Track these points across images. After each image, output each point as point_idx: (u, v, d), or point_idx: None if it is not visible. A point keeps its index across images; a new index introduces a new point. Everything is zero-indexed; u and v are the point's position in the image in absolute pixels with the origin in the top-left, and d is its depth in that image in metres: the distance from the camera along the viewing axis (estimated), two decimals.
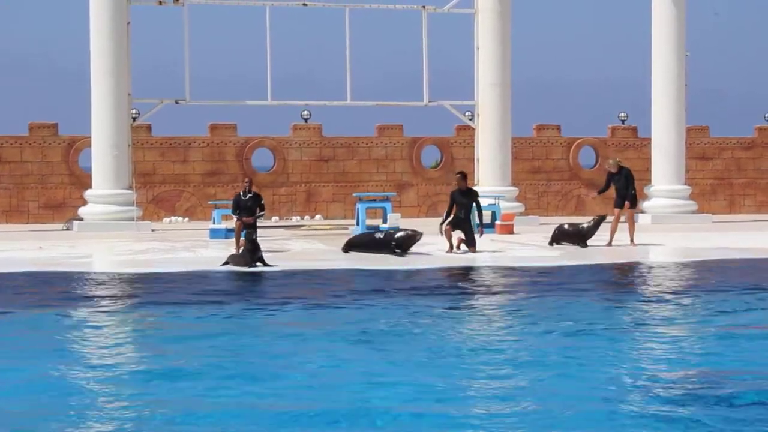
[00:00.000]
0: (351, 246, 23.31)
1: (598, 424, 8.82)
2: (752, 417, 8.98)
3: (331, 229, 31.26)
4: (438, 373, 10.73)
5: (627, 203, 24.49)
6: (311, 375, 10.75)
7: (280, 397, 9.81)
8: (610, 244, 24.30)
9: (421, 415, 9.10)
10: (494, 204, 30.28)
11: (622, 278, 19.70)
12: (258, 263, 20.32)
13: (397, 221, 27.49)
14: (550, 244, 24.54)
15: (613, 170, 24.70)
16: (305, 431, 8.77)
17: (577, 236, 24.29)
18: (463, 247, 23.01)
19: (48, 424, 8.85)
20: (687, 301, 16.09)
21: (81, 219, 30.87)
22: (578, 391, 9.92)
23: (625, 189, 24.48)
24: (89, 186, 31.42)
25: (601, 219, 24.35)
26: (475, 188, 25.55)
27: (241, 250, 21.30)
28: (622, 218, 24.76)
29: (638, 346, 12.11)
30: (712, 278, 18.78)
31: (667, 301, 16.05)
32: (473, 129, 34.18)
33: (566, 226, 24.82)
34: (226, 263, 20.68)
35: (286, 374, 10.78)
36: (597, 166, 38.51)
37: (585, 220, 25.32)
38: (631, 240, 24.46)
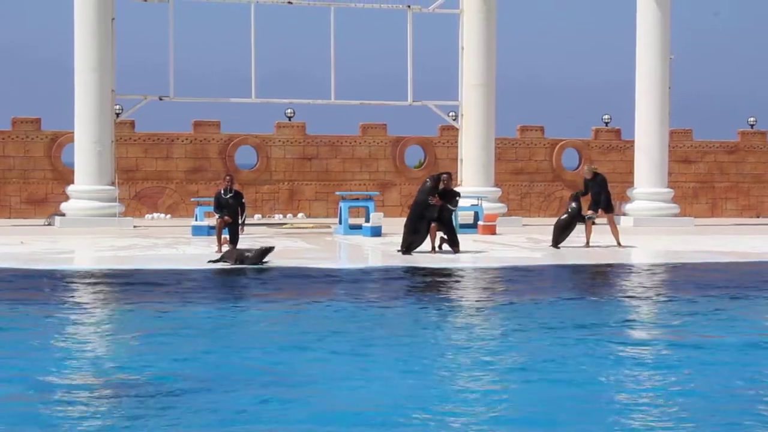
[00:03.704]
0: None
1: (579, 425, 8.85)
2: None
3: (313, 227, 31.26)
4: (414, 373, 10.74)
5: (601, 210, 24.62)
6: (293, 374, 10.75)
7: (262, 390, 9.81)
8: (587, 245, 24.39)
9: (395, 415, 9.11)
10: (477, 204, 30.32)
11: (603, 279, 19.74)
12: (246, 262, 20.29)
13: (380, 220, 27.52)
14: (555, 246, 24.33)
15: (588, 177, 24.88)
16: None
17: (575, 219, 24.28)
18: (445, 247, 23.02)
19: (23, 422, 8.81)
20: (666, 303, 16.13)
21: (63, 214, 30.79)
22: (555, 391, 9.95)
23: (599, 195, 24.64)
24: (72, 181, 31.34)
25: (576, 194, 24.59)
26: (457, 189, 25.59)
27: (238, 247, 21.32)
28: (603, 221, 24.84)
29: (616, 347, 12.14)
30: (692, 281, 18.83)
31: (644, 303, 16.09)
32: (457, 129, 34.20)
33: (558, 227, 24.61)
34: (219, 261, 20.56)
35: (265, 370, 10.78)
36: (580, 167, 38.57)
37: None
38: (618, 243, 24.55)
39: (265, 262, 20.34)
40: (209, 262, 20.56)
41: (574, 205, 24.41)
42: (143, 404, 9.40)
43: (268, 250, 20.66)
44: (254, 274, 19.25)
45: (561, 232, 24.36)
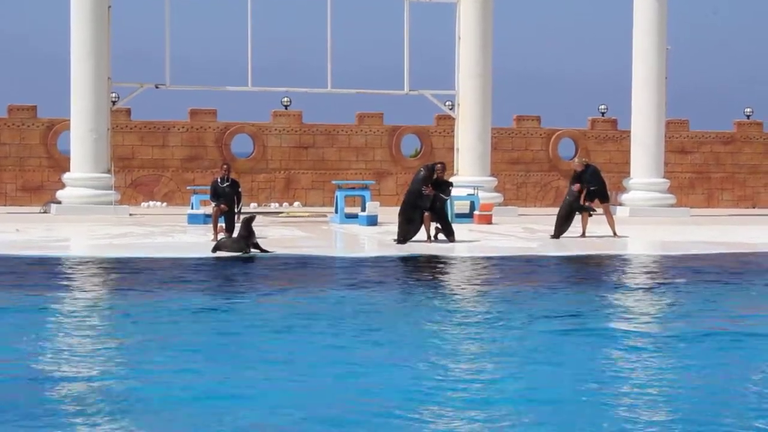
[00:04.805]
0: None
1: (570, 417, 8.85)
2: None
3: (309, 216, 31.26)
4: (408, 363, 10.75)
5: (597, 200, 24.54)
6: (288, 364, 10.74)
7: (258, 383, 9.81)
8: (583, 235, 24.36)
9: (389, 406, 9.11)
10: (473, 194, 30.31)
11: (598, 269, 19.74)
12: (255, 249, 20.28)
13: (376, 210, 27.50)
14: (556, 237, 24.21)
15: (579, 169, 24.68)
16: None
17: (572, 209, 24.19)
18: (441, 236, 23.02)
19: (21, 412, 8.80)
20: (661, 293, 16.13)
21: (59, 202, 30.79)
22: (545, 382, 9.95)
23: (594, 187, 24.46)
24: (67, 169, 31.33)
25: (576, 176, 24.49)
26: (453, 179, 25.60)
27: (234, 235, 21.24)
28: (599, 211, 24.80)
29: (608, 337, 12.14)
30: (687, 271, 18.83)
31: (639, 293, 16.10)
32: (453, 119, 34.19)
33: (559, 217, 24.47)
34: (217, 249, 20.44)
35: (262, 359, 10.78)
36: (576, 157, 38.56)
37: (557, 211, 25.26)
38: (614, 233, 24.51)
39: (266, 251, 20.29)
40: (213, 251, 20.40)
41: (574, 189, 24.28)
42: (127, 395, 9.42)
43: (250, 219, 20.61)
44: (249, 263, 19.24)
45: (561, 224, 24.30)
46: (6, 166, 35.06)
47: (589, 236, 24.29)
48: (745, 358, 11.21)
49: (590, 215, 24.59)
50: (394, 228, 23.16)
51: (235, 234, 21.49)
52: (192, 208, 28.31)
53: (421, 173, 22.96)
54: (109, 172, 30.83)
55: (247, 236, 20.42)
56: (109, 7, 30.80)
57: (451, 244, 22.51)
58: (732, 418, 8.73)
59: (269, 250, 20.46)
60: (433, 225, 23.03)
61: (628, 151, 34.65)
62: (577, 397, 9.37)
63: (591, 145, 38.79)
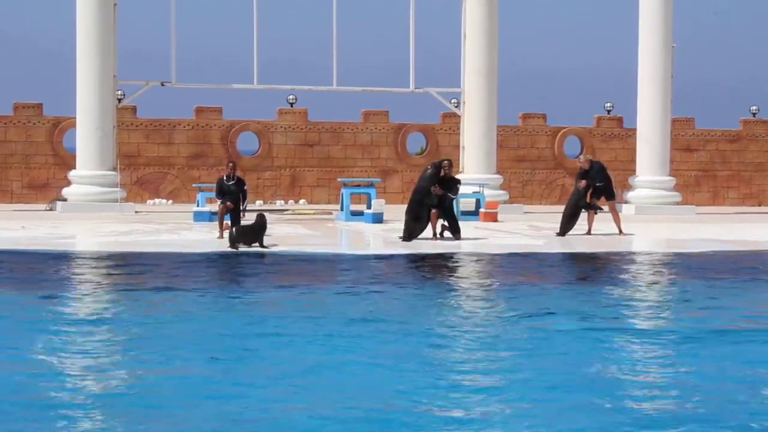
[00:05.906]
0: None
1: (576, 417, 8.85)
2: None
3: (315, 213, 31.26)
4: (414, 360, 10.75)
5: (602, 197, 24.47)
6: (292, 363, 10.75)
7: (263, 380, 9.82)
8: (589, 233, 24.33)
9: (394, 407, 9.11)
10: (479, 192, 30.31)
11: (603, 267, 19.73)
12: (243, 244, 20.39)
13: (381, 207, 27.51)
14: (562, 234, 24.17)
15: (585, 166, 24.59)
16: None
17: (578, 206, 24.13)
18: (447, 234, 23.00)
19: (26, 408, 8.81)
20: (667, 291, 16.13)
21: (65, 199, 30.82)
22: (552, 380, 9.95)
23: (599, 183, 24.37)
24: (73, 167, 31.36)
25: (582, 173, 24.34)
26: (459, 176, 25.57)
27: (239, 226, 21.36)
28: (605, 208, 24.79)
29: (614, 338, 12.14)
30: (693, 269, 18.83)
31: (643, 291, 16.09)
32: (459, 116, 34.17)
33: (565, 215, 24.42)
34: (234, 240, 20.46)
35: (266, 355, 10.79)
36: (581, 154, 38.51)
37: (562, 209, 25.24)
38: (620, 230, 24.49)
39: (266, 247, 20.34)
40: (232, 247, 20.42)
41: (579, 185, 24.19)
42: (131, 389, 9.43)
43: (262, 230, 20.72)
44: (254, 259, 19.25)
45: (567, 221, 24.27)
46: (12, 163, 35.11)
47: (595, 234, 24.28)
48: (748, 356, 11.20)
49: (596, 213, 24.56)
50: (400, 225, 23.16)
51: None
52: (198, 206, 28.34)
53: (429, 171, 22.92)
54: (114, 169, 30.86)
55: (259, 232, 20.55)
56: (115, 4, 30.83)
57: (457, 242, 22.49)
58: (739, 416, 8.73)
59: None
60: (440, 222, 23.01)
61: (634, 149, 34.60)
62: (580, 394, 9.37)
63: (596, 142, 38.77)
